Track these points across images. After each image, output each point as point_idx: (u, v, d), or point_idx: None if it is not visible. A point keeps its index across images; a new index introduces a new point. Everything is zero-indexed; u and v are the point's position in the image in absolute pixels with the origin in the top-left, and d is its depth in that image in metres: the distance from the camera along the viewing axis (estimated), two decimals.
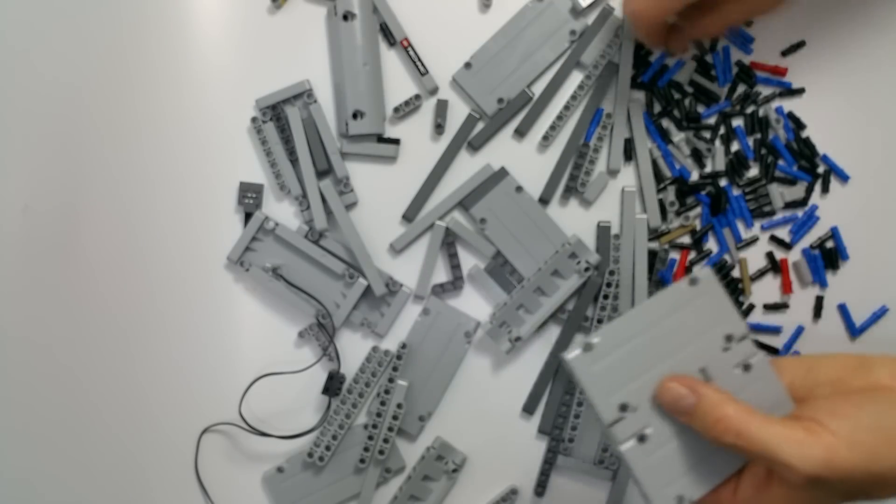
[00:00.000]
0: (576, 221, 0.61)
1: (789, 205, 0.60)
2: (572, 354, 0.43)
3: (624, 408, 0.43)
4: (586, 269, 0.59)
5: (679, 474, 0.43)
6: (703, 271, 0.45)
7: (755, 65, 0.60)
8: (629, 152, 0.61)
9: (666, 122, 0.61)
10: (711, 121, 0.60)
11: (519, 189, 0.60)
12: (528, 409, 0.61)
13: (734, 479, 0.43)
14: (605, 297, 0.60)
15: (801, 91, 0.60)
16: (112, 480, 0.62)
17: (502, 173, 0.60)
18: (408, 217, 0.61)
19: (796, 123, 0.60)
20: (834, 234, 0.60)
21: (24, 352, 0.62)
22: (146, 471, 0.62)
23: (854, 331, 0.60)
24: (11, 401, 0.62)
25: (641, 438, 0.43)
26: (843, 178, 0.60)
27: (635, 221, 0.60)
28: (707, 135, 0.60)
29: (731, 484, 0.43)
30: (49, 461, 0.62)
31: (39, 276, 0.62)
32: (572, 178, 0.60)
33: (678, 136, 0.60)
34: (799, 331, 0.60)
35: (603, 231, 0.60)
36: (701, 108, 0.60)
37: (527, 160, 0.61)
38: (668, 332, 0.44)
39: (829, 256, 0.60)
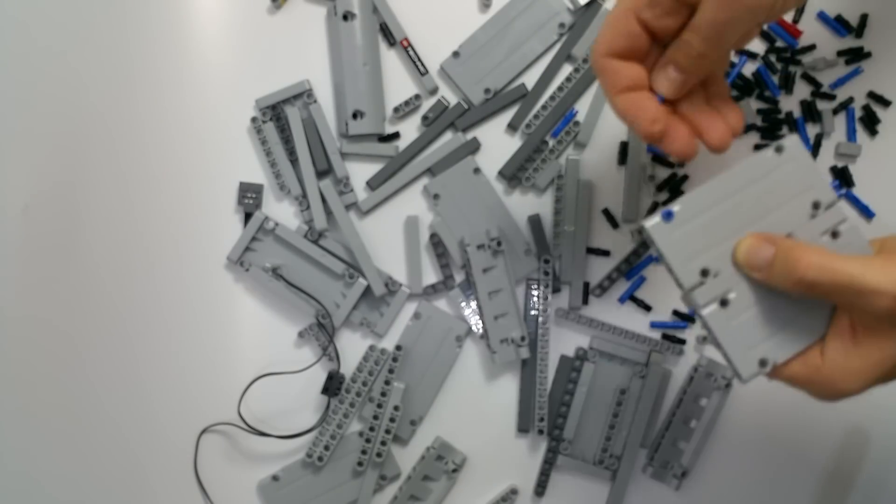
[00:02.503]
0: (527, 208, 0.61)
1: None
2: (651, 222, 0.41)
3: (705, 273, 0.42)
4: (726, 386, 0.60)
5: (762, 338, 0.42)
6: (790, 139, 0.43)
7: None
8: (623, 155, 0.61)
9: None
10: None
11: (477, 171, 0.61)
12: (522, 427, 0.61)
13: (819, 343, 0.42)
14: (546, 285, 0.60)
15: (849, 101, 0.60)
16: (111, 480, 0.62)
17: (474, 143, 0.61)
18: (371, 185, 0.61)
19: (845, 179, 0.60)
20: None
21: (25, 351, 0.62)
22: (145, 470, 0.62)
23: None
24: (12, 400, 0.62)
25: (724, 303, 0.42)
26: (869, 215, 0.60)
27: (579, 185, 0.60)
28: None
29: (816, 348, 0.42)
30: (49, 460, 0.62)
31: (40, 276, 0.62)
32: (523, 169, 0.61)
33: None
34: None
35: (534, 222, 0.61)
36: None
37: (507, 146, 0.61)
38: (752, 200, 0.42)
39: None
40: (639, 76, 0.44)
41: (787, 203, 0.43)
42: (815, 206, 0.43)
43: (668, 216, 0.42)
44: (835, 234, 0.43)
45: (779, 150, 0.43)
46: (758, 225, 0.42)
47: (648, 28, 0.43)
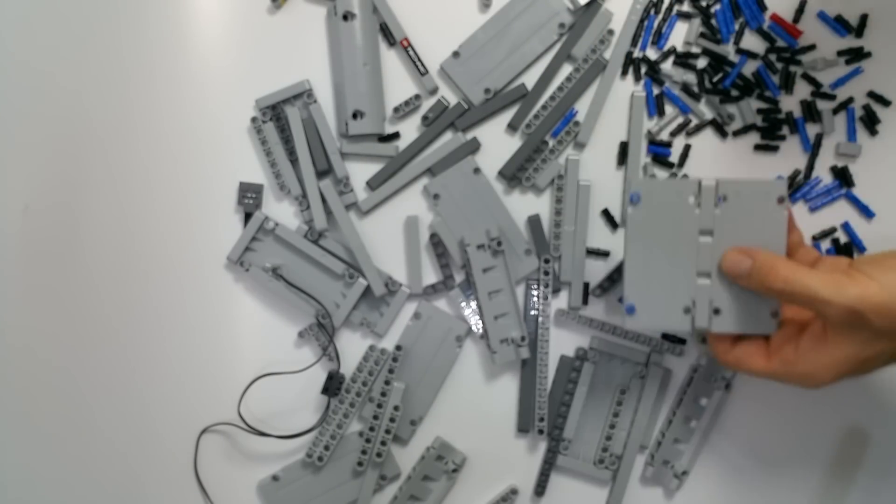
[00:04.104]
0: (527, 208, 0.61)
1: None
2: (629, 323, 0.52)
3: (687, 310, 0.51)
4: (726, 387, 0.60)
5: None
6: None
7: (775, 17, 0.60)
8: (623, 155, 0.61)
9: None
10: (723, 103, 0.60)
11: (477, 171, 0.60)
12: (522, 427, 0.61)
13: (795, 338, 0.49)
14: (546, 285, 0.60)
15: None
16: (111, 480, 0.62)
17: (474, 143, 0.61)
18: (371, 185, 0.61)
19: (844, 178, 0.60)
20: (847, 228, 0.60)
21: (24, 351, 0.62)
22: (145, 470, 0.62)
23: None
24: (11, 401, 0.62)
25: (716, 312, 0.50)
26: (869, 215, 0.60)
27: (579, 185, 0.60)
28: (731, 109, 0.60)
29: (791, 343, 0.49)
30: (49, 460, 0.62)
31: (39, 276, 0.62)
32: (522, 169, 0.61)
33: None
34: None
35: (534, 223, 0.61)
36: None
37: (507, 146, 0.61)
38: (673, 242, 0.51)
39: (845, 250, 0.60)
40: None
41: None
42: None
43: (631, 310, 0.51)
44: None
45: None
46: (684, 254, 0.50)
47: None
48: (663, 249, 0.50)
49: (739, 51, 0.60)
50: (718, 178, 0.50)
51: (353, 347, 0.61)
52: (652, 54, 0.61)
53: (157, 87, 0.62)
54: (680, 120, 0.60)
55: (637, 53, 0.61)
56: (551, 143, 0.61)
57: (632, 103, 0.60)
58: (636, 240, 0.51)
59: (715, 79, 0.60)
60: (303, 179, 0.60)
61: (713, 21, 0.60)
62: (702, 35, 0.60)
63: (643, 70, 0.61)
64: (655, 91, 0.61)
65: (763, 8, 0.60)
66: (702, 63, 0.60)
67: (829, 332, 0.47)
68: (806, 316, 0.50)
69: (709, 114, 0.60)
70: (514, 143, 0.61)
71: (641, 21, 0.61)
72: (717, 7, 0.60)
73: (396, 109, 0.61)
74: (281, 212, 0.62)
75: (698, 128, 0.60)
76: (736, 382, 0.60)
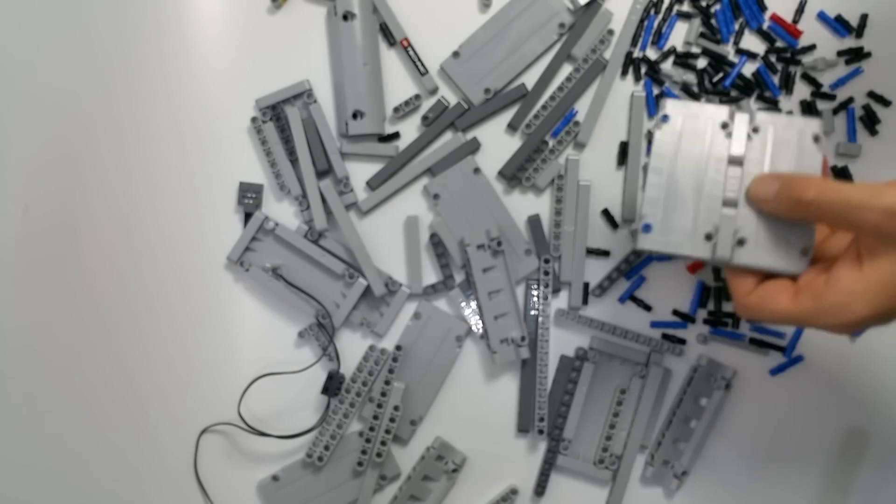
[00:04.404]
0: (527, 208, 0.61)
1: None
2: (640, 243, 0.48)
3: (709, 237, 0.47)
4: (726, 387, 0.60)
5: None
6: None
7: (775, 17, 0.60)
8: (623, 155, 0.61)
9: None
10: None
11: (477, 171, 0.61)
12: (522, 427, 0.61)
13: (825, 273, 0.44)
14: (546, 285, 0.60)
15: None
16: (111, 480, 0.62)
17: (474, 143, 0.61)
18: (371, 185, 0.61)
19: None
20: None
21: (24, 352, 0.62)
22: (145, 471, 0.62)
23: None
24: (11, 401, 0.62)
25: (741, 242, 0.47)
26: None
27: (579, 185, 0.60)
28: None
29: (822, 277, 0.44)
30: (48, 460, 0.62)
31: (39, 277, 0.62)
32: (522, 169, 0.61)
33: None
34: (799, 333, 0.60)
35: (534, 223, 0.61)
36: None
37: (507, 146, 0.61)
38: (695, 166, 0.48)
39: None
40: None
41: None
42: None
43: (647, 228, 0.48)
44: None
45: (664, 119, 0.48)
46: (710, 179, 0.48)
47: None
48: (688, 174, 0.48)
49: (739, 51, 0.60)
50: (753, 108, 0.47)
51: (353, 347, 0.61)
52: (652, 54, 0.61)
53: (157, 87, 0.62)
54: None
55: (637, 53, 0.61)
56: (551, 143, 0.61)
57: (632, 103, 0.60)
58: (660, 160, 0.48)
59: (715, 79, 0.60)
60: (303, 179, 0.60)
61: (713, 21, 0.60)
62: (702, 35, 0.60)
63: (643, 70, 0.61)
64: (655, 91, 0.61)
65: (763, 8, 0.60)
66: (702, 63, 0.60)
67: (864, 253, 0.42)
68: (839, 250, 0.45)
69: None
70: (514, 143, 0.61)
71: (641, 21, 0.61)
72: (717, 7, 0.60)
73: (396, 109, 0.61)
74: (281, 212, 0.62)
75: None
76: (736, 382, 0.60)
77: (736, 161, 0.47)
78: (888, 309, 0.42)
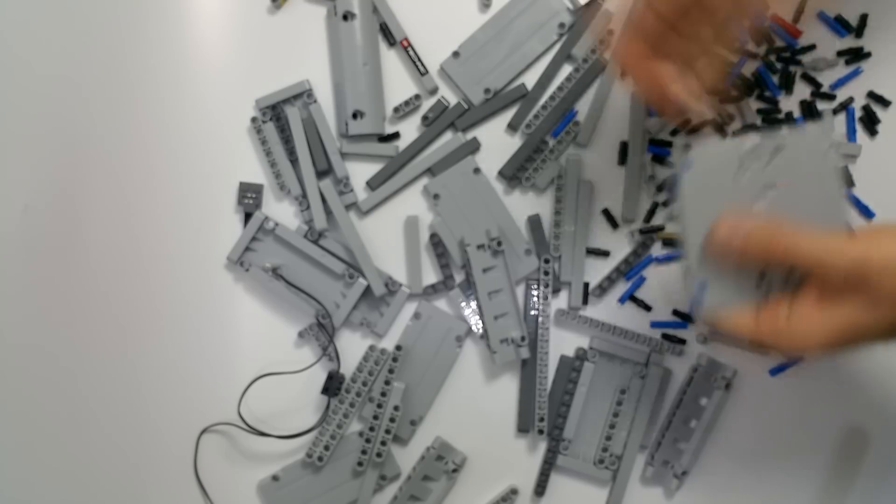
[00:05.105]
0: (527, 208, 0.61)
1: None
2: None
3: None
4: (726, 387, 0.60)
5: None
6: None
7: (775, 17, 0.60)
8: (623, 155, 0.61)
9: None
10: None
11: (477, 171, 0.61)
12: (522, 427, 0.61)
13: (788, 300, 0.46)
14: (546, 285, 0.60)
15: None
16: (111, 480, 0.62)
17: (474, 143, 0.61)
18: (371, 185, 0.61)
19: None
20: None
21: (24, 351, 0.62)
22: (145, 471, 0.62)
23: None
24: (11, 400, 0.62)
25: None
26: (869, 215, 0.60)
27: (579, 185, 0.60)
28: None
29: (784, 305, 0.46)
30: (48, 460, 0.62)
31: (39, 276, 0.62)
32: (522, 169, 0.61)
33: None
34: None
35: (534, 223, 0.61)
36: None
37: (507, 146, 0.61)
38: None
39: None
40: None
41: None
42: None
43: (703, 287, 0.47)
44: None
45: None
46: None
47: None
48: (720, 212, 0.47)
49: (740, 51, 0.60)
50: (760, 136, 0.47)
51: (353, 347, 0.61)
52: None
53: (157, 87, 0.62)
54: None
55: None
56: (551, 143, 0.61)
57: (632, 103, 0.60)
58: (692, 213, 0.47)
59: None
60: (303, 179, 0.60)
61: None
62: None
63: None
64: None
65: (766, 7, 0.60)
66: None
67: (826, 296, 0.44)
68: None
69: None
70: (514, 143, 0.61)
71: None
72: None
73: (396, 109, 0.61)
74: (281, 212, 0.62)
75: (695, 129, 0.60)
76: (736, 382, 0.60)
77: (761, 194, 0.47)
78: (840, 348, 0.45)
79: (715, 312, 0.48)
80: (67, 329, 0.62)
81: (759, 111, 0.60)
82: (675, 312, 0.61)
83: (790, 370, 0.60)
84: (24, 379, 0.62)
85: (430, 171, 0.61)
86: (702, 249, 0.47)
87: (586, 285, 0.61)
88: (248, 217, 0.61)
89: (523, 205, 0.61)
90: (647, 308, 0.61)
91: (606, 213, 0.61)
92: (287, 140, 0.61)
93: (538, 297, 0.60)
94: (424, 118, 0.61)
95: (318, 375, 0.61)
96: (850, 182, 0.60)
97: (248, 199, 0.61)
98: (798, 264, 0.45)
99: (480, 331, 0.60)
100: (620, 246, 0.61)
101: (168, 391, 0.62)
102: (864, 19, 0.60)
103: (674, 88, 0.48)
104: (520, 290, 0.61)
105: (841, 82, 0.60)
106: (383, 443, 0.59)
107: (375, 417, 0.60)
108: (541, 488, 0.61)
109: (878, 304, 0.43)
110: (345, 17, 0.60)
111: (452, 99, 0.61)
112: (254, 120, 0.61)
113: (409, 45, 0.61)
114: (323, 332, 0.61)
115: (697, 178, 0.47)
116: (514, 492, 0.61)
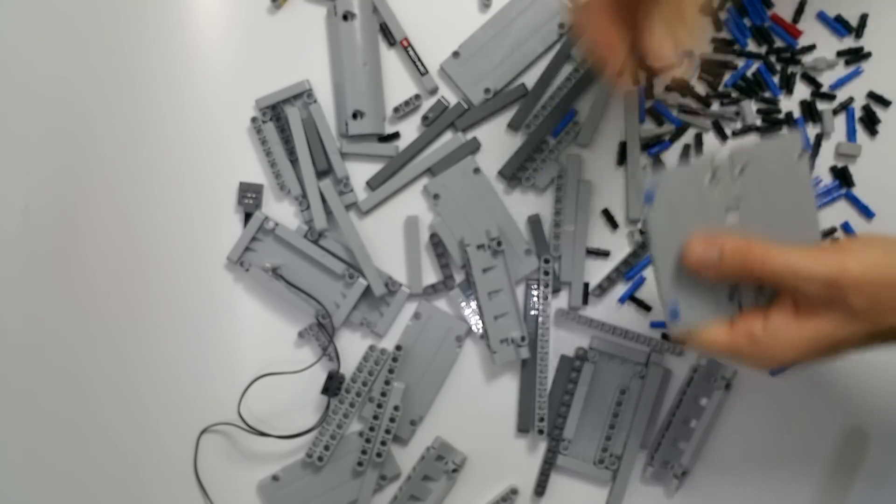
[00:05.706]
0: (527, 208, 0.61)
1: None
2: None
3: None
4: (726, 387, 0.60)
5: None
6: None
7: (775, 17, 0.60)
8: (623, 155, 0.61)
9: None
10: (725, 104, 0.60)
11: (477, 170, 0.61)
12: (522, 427, 0.61)
13: (762, 313, 0.46)
14: (546, 285, 0.60)
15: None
16: (111, 480, 0.62)
17: (474, 143, 0.61)
18: (371, 185, 0.61)
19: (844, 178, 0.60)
20: (846, 228, 0.60)
21: (24, 352, 0.62)
22: (146, 470, 0.62)
23: None
24: (10, 400, 0.62)
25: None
26: (869, 215, 0.60)
27: (579, 185, 0.60)
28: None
29: (759, 318, 0.46)
30: (48, 460, 0.62)
31: (39, 276, 0.62)
32: (522, 169, 0.61)
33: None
34: None
35: (534, 223, 0.61)
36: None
37: (507, 146, 0.61)
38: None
39: None
40: None
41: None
42: None
43: (675, 314, 0.47)
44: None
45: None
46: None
47: None
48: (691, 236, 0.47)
49: (740, 52, 0.60)
50: (731, 149, 0.46)
51: (353, 347, 0.61)
52: None
53: (157, 87, 0.62)
54: (673, 129, 0.61)
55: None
56: (551, 143, 0.61)
57: (625, 102, 0.60)
58: (661, 237, 0.47)
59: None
60: (303, 179, 0.60)
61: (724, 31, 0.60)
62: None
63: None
64: (648, 104, 0.61)
65: (769, 5, 0.60)
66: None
67: (802, 309, 0.44)
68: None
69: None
70: (514, 143, 0.61)
71: None
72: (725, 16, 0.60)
73: (396, 109, 0.61)
74: (281, 212, 0.62)
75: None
76: (736, 382, 0.60)
77: (732, 208, 0.46)
78: (813, 359, 0.45)
79: (689, 330, 0.47)
80: (67, 329, 0.62)
81: (759, 111, 0.60)
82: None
83: (790, 370, 0.60)
84: (24, 379, 0.62)
85: (430, 171, 0.61)
86: (673, 271, 0.47)
87: (586, 285, 0.61)
88: (248, 217, 0.61)
89: (523, 205, 0.61)
90: (647, 308, 0.61)
91: (606, 213, 0.61)
92: (287, 140, 0.61)
93: (538, 297, 0.60)
94: (424, 118, 0.61)
95: (318, 375, 0.61)
96: (850, 182, 0.60)
97: (248, 199, 0.61)
98: (774, 279, 0.45)
99: (480, 331, 0.60)
100: (620, 246, 0.61)
101: (168, 391, 0.62)
102: (864, 19, 0.60)
103: (653, 37, 0.47)
104: (520, 290, 0.61)
105: (841, 82, 0.60)
106: (383, 443, 0.59)
107: (375, 417, 0.60)
108: (541, 488, 0.61)
109: (854, 316, 0.43)
110: (345, 17, 0.60)
111: (452, 99, 0.61)
112: (254, 120, 0.61)
113: (409, 45, 0.61)
114: (323, 332, 0.61)
115: (664, 202, 0.46)
116: (514, 492, 0.61)
